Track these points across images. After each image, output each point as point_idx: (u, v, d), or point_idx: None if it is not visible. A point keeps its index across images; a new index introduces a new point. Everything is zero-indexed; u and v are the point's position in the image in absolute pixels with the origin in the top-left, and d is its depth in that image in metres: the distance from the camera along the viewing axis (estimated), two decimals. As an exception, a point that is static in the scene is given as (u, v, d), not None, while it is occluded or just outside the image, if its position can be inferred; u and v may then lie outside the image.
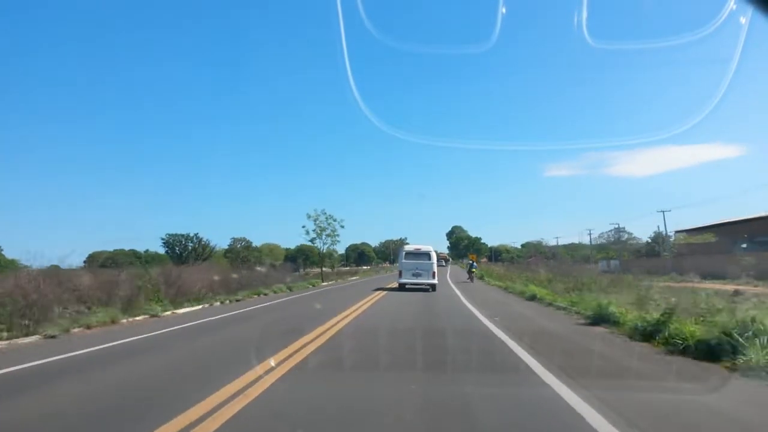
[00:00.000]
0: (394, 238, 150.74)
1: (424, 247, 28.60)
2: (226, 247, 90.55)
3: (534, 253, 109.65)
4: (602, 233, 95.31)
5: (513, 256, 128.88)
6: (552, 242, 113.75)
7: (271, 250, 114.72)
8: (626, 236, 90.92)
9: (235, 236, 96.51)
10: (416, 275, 27.22)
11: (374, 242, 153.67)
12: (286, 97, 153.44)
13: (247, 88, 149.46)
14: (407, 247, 29.23)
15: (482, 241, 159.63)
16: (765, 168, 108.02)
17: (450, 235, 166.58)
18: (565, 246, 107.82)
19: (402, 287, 27.45)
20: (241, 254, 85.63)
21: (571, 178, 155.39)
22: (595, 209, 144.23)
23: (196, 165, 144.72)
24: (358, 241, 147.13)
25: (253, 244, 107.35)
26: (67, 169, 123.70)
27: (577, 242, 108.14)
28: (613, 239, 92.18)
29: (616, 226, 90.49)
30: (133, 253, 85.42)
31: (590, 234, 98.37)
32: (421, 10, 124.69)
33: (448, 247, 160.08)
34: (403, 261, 27.87)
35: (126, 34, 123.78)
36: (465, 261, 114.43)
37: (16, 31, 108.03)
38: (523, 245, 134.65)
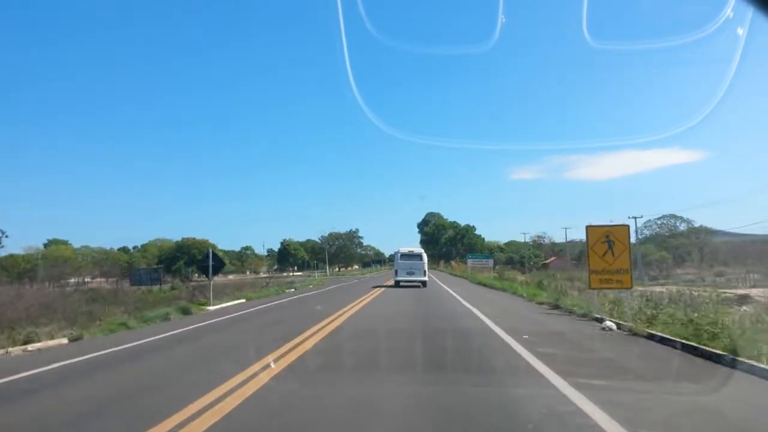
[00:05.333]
0: (342, 231, 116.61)
1: (416, 249, 34.27)
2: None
3: (549, 252, 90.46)
4: (647, 222, 70.15)
5: (518, 256, 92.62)
6: (555, 238, 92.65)
7: (159, 246, 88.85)
8: (684, 225, 66.47)
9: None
10: (410, 273, 31.70)
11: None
12: (284, 96, 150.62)
13: (246, 87, 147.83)
14: (402, 250, 33.54)
15: (477, 231, 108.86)
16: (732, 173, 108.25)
17: (423, 225, 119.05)
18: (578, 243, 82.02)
19: (397, 284, 31.73)
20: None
21: (539, 180, 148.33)
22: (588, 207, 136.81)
23: (195, 164, 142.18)
24: (303, 238, 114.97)
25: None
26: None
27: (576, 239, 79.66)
28: (662, 229, 68.30)
29: (669, 214, 66.07)
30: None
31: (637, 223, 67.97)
32: (421, 10, 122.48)
33: (421, 243, 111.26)
34: (399, 261, 32.83)
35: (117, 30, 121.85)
36: (473, 261, 54.47)
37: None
38: (507, 243, 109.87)
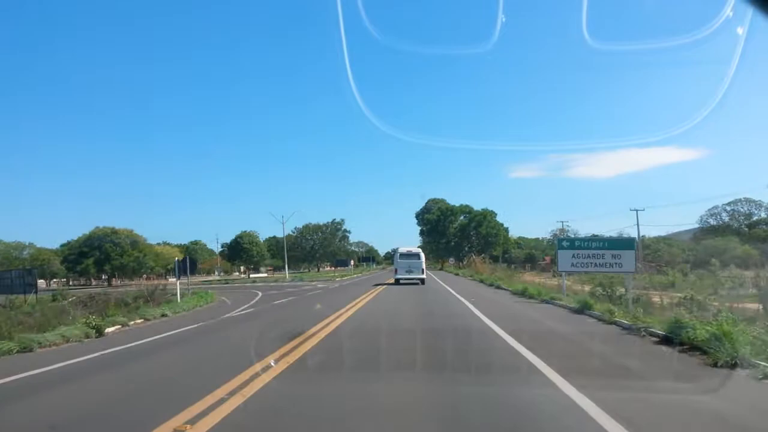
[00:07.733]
0: (323, 222, 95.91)
1: (414, 249, 36.63)
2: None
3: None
4: (713, 209, 55.74)
5: (542, 253, 72.56)
6: (580, 232, 67.86)
7: (38, 252, 72.09)
8: (763, 212, 51.45)
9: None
10: (409, 272, 33.55)
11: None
12: (284, 96, 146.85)
13: (247, 87, 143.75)
14: (401, 249, 36.03)
15: (498, 218, 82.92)
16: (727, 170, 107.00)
17: (424, 212, 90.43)
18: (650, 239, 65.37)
19: (397, 282, 33.19)
20: None
21: (538, 178, 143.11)
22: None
23: (195, 164, 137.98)
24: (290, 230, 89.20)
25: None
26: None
27: (597, 233, 57.81)
28: (733, 218, 52.98)
29: (743, 198, 49.30)
30: None
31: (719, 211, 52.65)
32: (421, 10, 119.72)
33: (421, 235, 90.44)
34: (398, 261, 34.80)
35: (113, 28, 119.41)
36: (576, 255, 16.59)
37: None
38: (519, 239, 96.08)
